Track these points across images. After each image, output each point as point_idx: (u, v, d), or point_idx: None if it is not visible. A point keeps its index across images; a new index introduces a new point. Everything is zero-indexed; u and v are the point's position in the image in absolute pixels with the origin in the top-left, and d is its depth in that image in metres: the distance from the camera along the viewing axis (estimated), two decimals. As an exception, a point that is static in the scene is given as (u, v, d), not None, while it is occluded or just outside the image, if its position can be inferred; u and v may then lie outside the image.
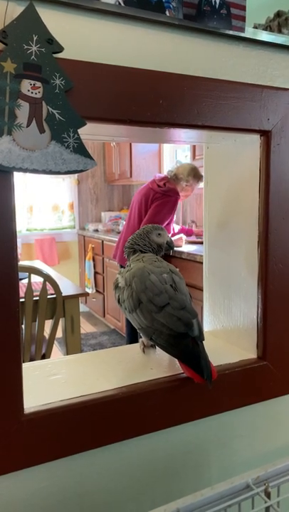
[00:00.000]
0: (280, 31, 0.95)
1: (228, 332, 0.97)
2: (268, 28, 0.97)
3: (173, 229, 3.32)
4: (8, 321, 0.63)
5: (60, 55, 0.61)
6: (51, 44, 0.60)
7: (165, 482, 0.81)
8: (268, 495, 0.61)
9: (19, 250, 4.17)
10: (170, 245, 0.90)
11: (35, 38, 0.59)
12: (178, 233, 3.41)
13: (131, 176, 4.52)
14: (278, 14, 0.97)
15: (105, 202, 5.44)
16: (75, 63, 0.63)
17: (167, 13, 0.69)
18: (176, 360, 0.80)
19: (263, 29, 0.96)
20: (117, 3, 0.65)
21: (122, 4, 0.65)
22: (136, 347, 0.92)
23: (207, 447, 0.85)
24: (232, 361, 0.86)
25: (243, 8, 0.75)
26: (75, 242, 5.32)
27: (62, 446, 0.68)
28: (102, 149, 5.27)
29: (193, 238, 3.56)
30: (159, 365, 0.84)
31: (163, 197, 2.94)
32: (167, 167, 4.06)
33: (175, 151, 4.44)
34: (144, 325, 0.77)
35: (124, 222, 3.29)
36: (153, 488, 0.80)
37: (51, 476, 0.69)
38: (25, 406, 0.66)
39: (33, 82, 0.59)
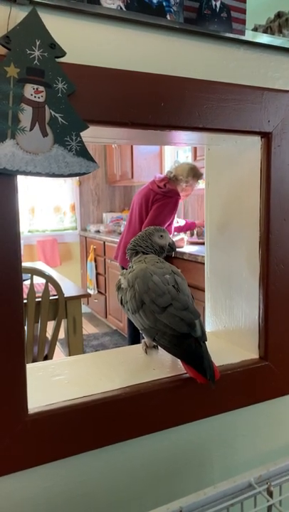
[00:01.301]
0: (280, 32, 0.95)
1: (230, 332, 0.97)
2: (268, 28, 0.97)
3: (177, 222, 3.32)
4: (11, 322, 0.64)
5: (62, 60, 0.62)
6: (54, 49, 0.61)
7: (168, 481, 0.81)
8: (270, 494, 0.61)
9: (21, 252, 4.19)
10: (172, 247, 0.91)
11: (38, 43, 0.60)
12: (184, 227, 3.41)
13: (132, 177, 4.53)
14: (279, 15, 0.98)
15: (107, 203, 5.45)
16: (77, 67, 0.64)
17: (168, 17, 0.70)
18: (179, 360, 0.80)
19: (264, 30, 0.96)
20: (119, 7, 0.66)
21: (124, 9, 0.66)
22: (138, 348, 0.93)
23: (209, 447, 0.85)
24: (234, 361, 0.86)
25: (243, 11, 0.76)
26: (77, 243, 5.33)
27: (66, 446, 0.69)
28: (103, 150, 5.28)
29: (194, 239, 3.57)
30: (161, 365, 0.85)
31: (164, 198, 2.94)
32: (168, 168, 4.07)
33: (176, 151, 4.45)
34: (147, 326, 0.78)
35: (126, 224, 3.30)
36: (156, 488, 0.80)
37: (55, 476, 0.70)
38: (29, 406, 0.67)
39: (36, 86, 0.60)
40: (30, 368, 0.84)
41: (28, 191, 4.91)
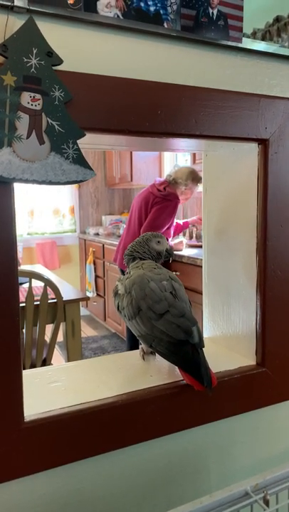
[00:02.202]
0: (279, 36, 0.95)
1: (228, 338, 0.97)
2: (267, 33, 0.97)
3: (176, 224, 3.31)
4: (8, 328, 0.64)
5: (59, 68, 0.62)
6: (51, 57, 0.61)
7: (165, 489, 0.81)
8: (266, 502, 0.61)
9: (20, 254, 4.19)
10: (169, 253, 0.91)
11: (34, 51, 0.60)
12: (178, 229, 3.39)
13: (131, 180, 4.54)
14: (277, 19, 0.98)
15: (106, 205, 5.46)
16: (74, 75, 0.64)
17: (165, 24, 0.70)
18: (176, 367, 0.80)
19: (262, 34, 0.96)
20: (116, 16, 0.66)
21: (121, 17, 0.66)
22: (136, 354, 0.93)
23: (206, 454, 0.85)
24: (231, 368, 0.86)
25: (240, 19, 0.76)
26: (76, 245, 5.33)
27: (63, 454, 0.69)
28: (102, 153, 5.29)
29: (193, 242, 3.56)
30: (158, 372, 0.84)
31: (163, 201, 2.94)
32: (168, 171, 4.07)
33: (175, 155, 4.46)
34: (143, 332, 0.78)
35: (125, 226, 3.30)
36: (153, 495, 0.80)
37: (52, 484, 0.70)
38: (25, 414, 0.67)
39: (32, 94, 0.60)
40: (27, 374, 0.83)
41: (28, 194, 4.91)
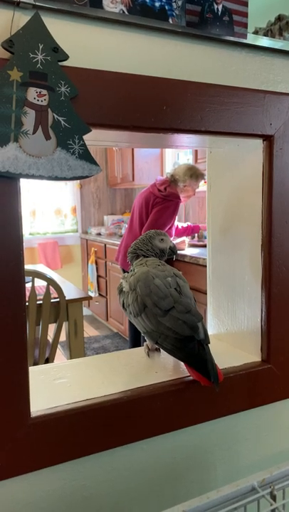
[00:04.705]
0: (281, 35, 0.95)
1: (232, 335, 0.97)
2: (268, 31, 0.97)
3: (177, 227, 3.29)
4: (14, 325, 0.64)
5: (65, 63, 0.62)
6: (57, 52, 0.61)
7: (171, 485, 0.81)
8: (273, 497, 0.61)
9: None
10: (173, 250, 0.91)
11: (40, 47, 0.60)
12: (185, 230, 3.37)
13: (133, 180, 4.54)
14: (279, 18, 0.98)
15: (108, 205, 5.46)
16: (80, 71, 0.64)
17: (170, 20, 0.70)
18: (181, 363, 0.80)
19: (264, 33, 0.97)
20: (121, 11, 0.66)
21: (126, 12, 0.66)
22: (140, 350, 0.93)
23: (212, 450, 0.85)
24: (236, 364, 0.86)
25: (245, 14, 0.76)
26: (78, 245, 5.34)
27: (68, 450, 0.69)
28: (104, 153, 5.29)
29: (195, 241, 3.56)
30: (163, 368, 0.84)
31: (163, 202, 2.94)
32: (169, 171, 4.07)
33: (177, 154, 4.46)
34: (149, 329, 0.77)
35: (127, 226, 3.29)
36: (159, 491, 0.80)
37: (57, 480, 0.70)
38: (31, 410, 0.67)
39: (39, 89, 0.60)
40: (32, 371, 0.83)
41: (29, 194, 4.92)
